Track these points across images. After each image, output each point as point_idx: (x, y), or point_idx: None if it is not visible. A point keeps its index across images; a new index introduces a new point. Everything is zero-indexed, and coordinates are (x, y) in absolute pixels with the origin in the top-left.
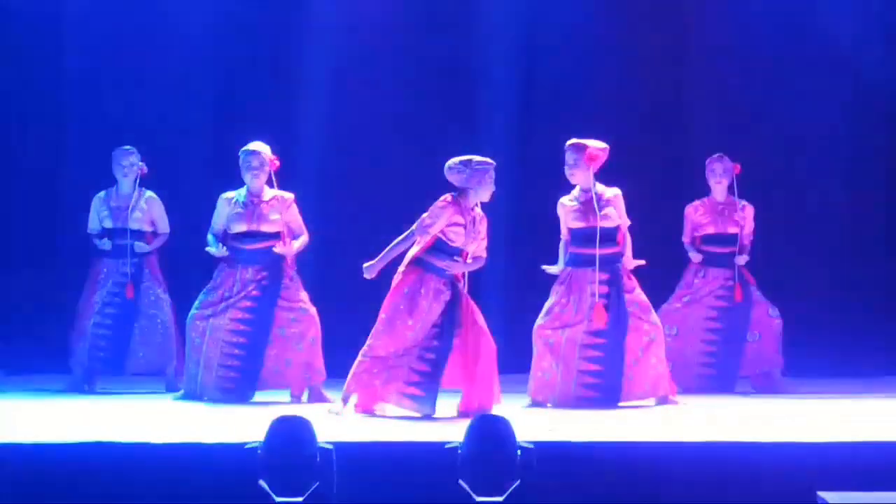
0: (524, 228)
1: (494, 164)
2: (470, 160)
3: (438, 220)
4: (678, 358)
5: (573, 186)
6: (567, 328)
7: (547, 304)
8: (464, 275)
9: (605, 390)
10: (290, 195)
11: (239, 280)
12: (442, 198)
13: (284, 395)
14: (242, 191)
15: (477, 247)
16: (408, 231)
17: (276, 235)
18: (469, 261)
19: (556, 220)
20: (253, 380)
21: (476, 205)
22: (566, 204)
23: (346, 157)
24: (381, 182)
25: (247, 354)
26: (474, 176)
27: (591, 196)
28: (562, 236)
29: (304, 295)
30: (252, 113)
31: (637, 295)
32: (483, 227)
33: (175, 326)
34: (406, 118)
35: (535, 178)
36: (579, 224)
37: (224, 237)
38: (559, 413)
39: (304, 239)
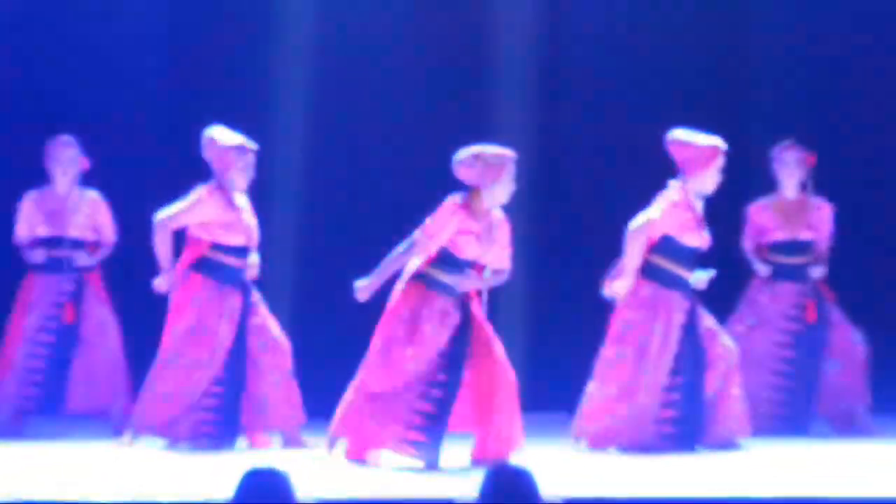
0: (551, 235)
1: (514, 156)
2: (482, 152)
3: (445, 226)
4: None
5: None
6: (648, 362)
7: (618, 328)
8: (478, 293)
9: (683, 431)
10: None
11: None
12: (449, 198)
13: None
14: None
15: (495, 258)
16: (409, 240)
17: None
18: (486, 275)
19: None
20: (233, 423)
21: (493, 207)
22: (671, 204)
23: (332, 150)
24: (375, 181)
25: (225, 392)
26: (489, 171)
27: (693, 203)
28: (635, 243)
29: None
30: (221, 95)
31: (705, 316)
32: (503, 234)
33: (124, 356)
34: (407, 103)
35: (566, 173)
36: (690, 238)
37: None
38: (624, 459)
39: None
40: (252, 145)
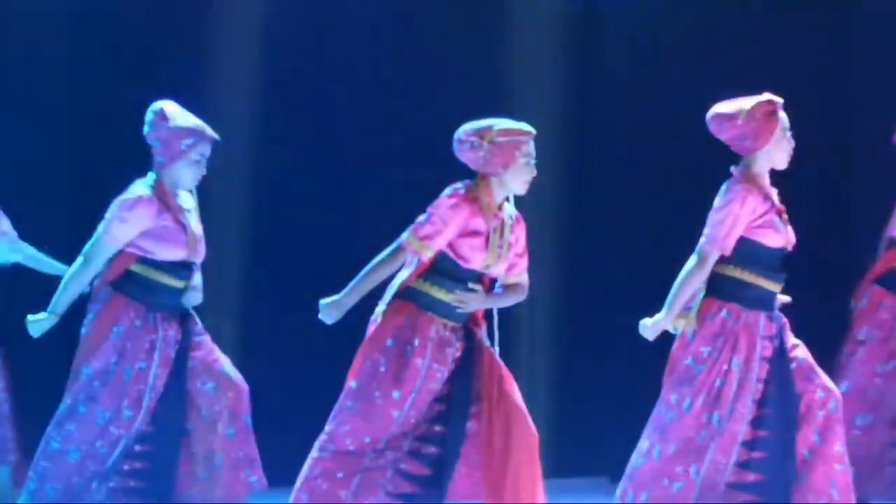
0: (584, 237)
1: (534, 133)
2: (491, 127)
3: (445, 226)
4: (859, 444)
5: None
6: (722, 409)
7: (681, 366)
8: (486, 316)
9: (767, 501)
10: None
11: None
12: (449, 189)
13: None
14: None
15: (509, 268)
16: (394, 245)
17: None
18: (496, 291)
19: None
20: (165, 492)
21: (506, 200)
22: (758, 199)
23: (290, 138)
24: (349, 172)
25: (154, 452)
26: (500, 153)
27: (768, 189)
28: (710, 248)
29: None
30: (156, 67)
31: (795, 346)
32: (519, 237)
33: (12, 401)
34: (400, 71)
35: (602, 162)
36: (774, 237)
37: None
38: None
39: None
40: (213, 133)
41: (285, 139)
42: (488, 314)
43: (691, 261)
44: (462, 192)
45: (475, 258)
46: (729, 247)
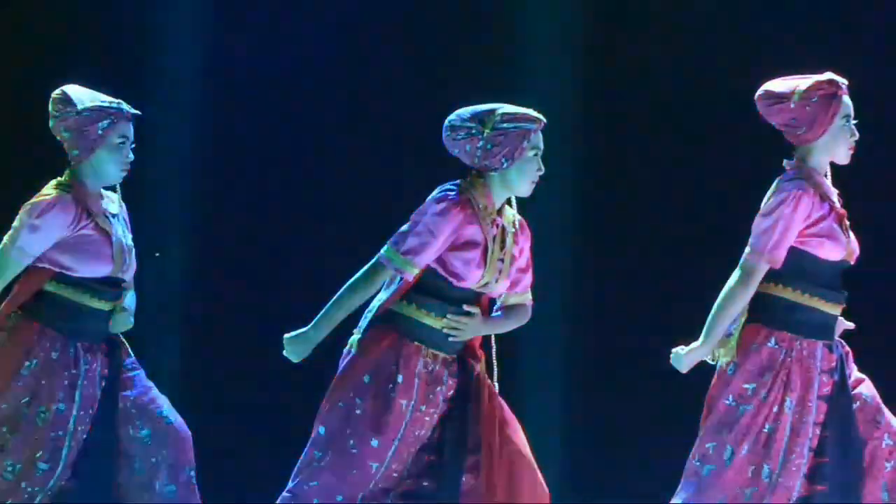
0: (605, 250)
1: (543, 121)
2: (493, 111)
3: (433, 237)
4: None
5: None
6: (772, 459)
7: (723, 408)
8: (482, 345)
9: None
10: None
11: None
12: (438, 191)
13: None
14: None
15: (511, 286)
16: (373, 262)
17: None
18: (495, 315)
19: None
20: None
21: (508, 203)
22: (813, 201)
23: (242, 133)
24: (317, 175)
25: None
26: (502, 145)
27: (828, 189)
28: (757, 261)
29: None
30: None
31: (859, 382)
32: (523, 248)
33: None
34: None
35: (625, 151)
36: (832, 248)
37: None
38: None
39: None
40: (131, 108)
41: (241, 139)
42: (486, 342)
43: (734, 276)
44: (453, 194)
45: (470, 274)
46: (779, 259)
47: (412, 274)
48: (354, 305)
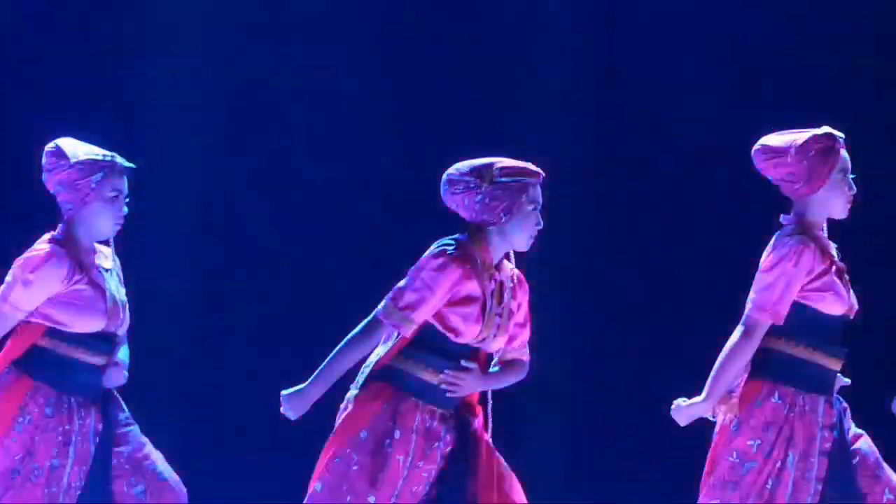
0: (606, 304)
1: (542, 174)
2: (492, 165)
3: (431, 293)
4: None
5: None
6: None
7: (725, 465)
8: (481, 401)
9: None
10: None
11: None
12: (436, 246)
13: None
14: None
15: (508, 341)
16: (368, 318)
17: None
18: (493, 370)
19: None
20: None
21: (506, 258)
22: (814, 255)
23: (247, 177)
24: (315, 225)
25: None
26: (501, 199)
27: (826, 244)
28: (759, 316)
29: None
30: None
31: (858, 437)
32: (522, 302)
33: None
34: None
35: (629, 198)
36: (834, 303)
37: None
38: None
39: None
40: (124, 161)
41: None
42: (483, 397)
43: (736, 333)
44: (452, 249)
45: (468, 330)
46: (782, 314)
47: (409, 329)
48: (353, 361)
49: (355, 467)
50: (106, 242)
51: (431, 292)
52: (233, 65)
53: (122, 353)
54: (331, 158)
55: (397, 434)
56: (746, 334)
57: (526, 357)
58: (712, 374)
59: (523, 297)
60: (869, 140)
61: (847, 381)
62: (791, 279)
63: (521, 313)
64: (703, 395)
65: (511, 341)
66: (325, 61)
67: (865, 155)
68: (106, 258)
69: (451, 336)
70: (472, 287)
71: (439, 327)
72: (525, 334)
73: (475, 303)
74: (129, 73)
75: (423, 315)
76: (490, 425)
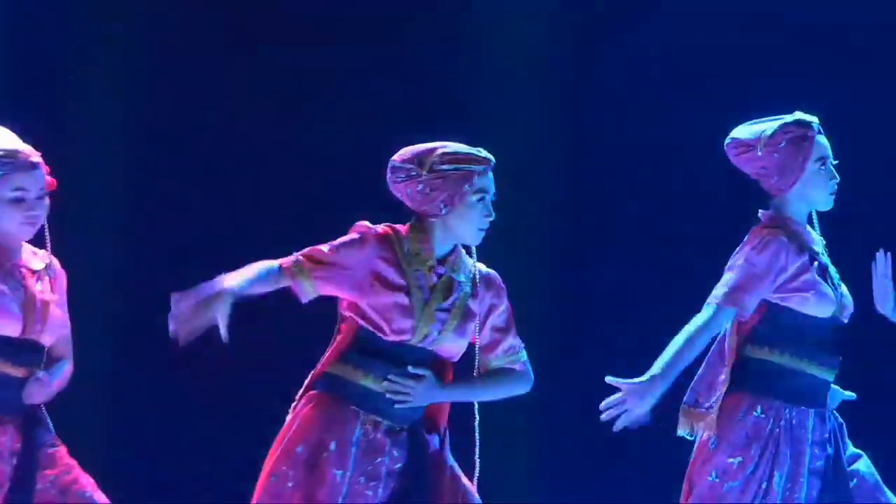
0: (576, 308)
1: (492, 161)
2: (433, 150)
3: (338, 256)
4: None
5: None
6: None
7: (704, 485)
8: (441, 413)
9: None
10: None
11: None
12: (359, 224)
13: None
14: None
15: (489, 348)
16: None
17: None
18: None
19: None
20: None
21: (468, 254)
22: (786, 248)
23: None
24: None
25: None
26: (440, 189)
27: (808, 237)
28: (719, 303)
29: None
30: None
31: (856, 458)
32: (494, 305)
33: None
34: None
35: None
36: (818, 304)
37: None
38: None
39: (68, 367)
40: (33, 153)
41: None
42: (470, 414)
43: (697, 317)
44: (376, 230)
45: (396, 323)
46: (745, 304)
47: (305, 291)
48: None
49: (290, 484)
50: (42, 244)
51: (339, 255)
52: None
53: (56, 369)
54: None
55: (333, 446)
56: (702, 316)
57: (518, 366)
58: (665, 352)
59: (494, 298)
60: (861, 129)
61: (851, 395)
62: (754, 267)
63: (499, 318)
64: (651, 372)
65: (492, 348)
66: None
67: (860, 143)
68: (34, 258)
69: (381, 334)
70: (390, 272)
71: (363, 323)
72: (508, 340)
73: (398, 291)
74: None
75: (324, 279)
76: (477, 447)
